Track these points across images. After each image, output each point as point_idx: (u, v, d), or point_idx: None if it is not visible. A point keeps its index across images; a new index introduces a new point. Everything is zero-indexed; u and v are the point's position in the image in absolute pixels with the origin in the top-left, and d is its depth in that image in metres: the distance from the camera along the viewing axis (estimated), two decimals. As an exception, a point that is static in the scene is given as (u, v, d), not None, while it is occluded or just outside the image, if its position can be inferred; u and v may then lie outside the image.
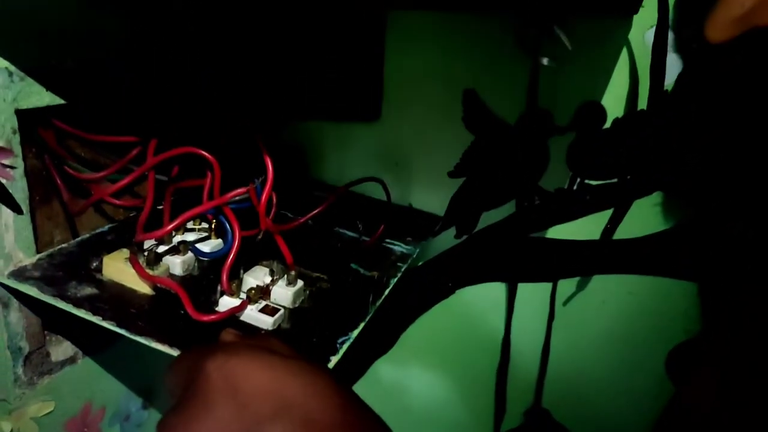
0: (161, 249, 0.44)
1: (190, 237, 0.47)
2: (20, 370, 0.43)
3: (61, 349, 0.46)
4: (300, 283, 0.42)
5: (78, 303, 0.38)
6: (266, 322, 0.38)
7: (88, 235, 0.48)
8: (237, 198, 0.49)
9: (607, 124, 0.58)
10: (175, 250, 0.44)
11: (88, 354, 0.48)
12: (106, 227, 0.49)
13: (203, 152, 0.43)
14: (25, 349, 0.43)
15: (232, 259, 0.40)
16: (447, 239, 0.65)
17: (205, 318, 0.37)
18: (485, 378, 0.71)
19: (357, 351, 0.74)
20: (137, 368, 0.52)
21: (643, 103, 0.56)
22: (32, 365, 0.44)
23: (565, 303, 0.66)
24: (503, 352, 0.69)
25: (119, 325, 0.36)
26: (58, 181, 0.46)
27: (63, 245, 0.46)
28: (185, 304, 0.37)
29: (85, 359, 0.48)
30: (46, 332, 0.45)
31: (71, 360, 0.47)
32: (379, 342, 0.73)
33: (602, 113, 0.59)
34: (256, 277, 0.42)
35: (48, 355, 0.45)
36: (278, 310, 0.39)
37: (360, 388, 0.77)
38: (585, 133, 0.59)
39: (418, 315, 0.70)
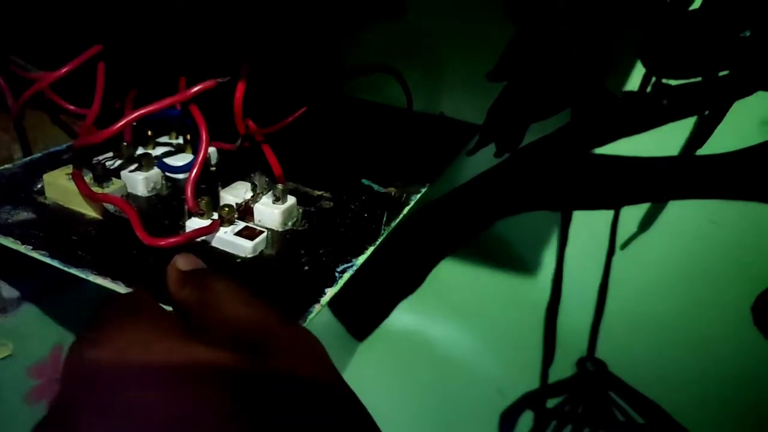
0: (118, 164, 0.35)
1: (161, 152, 0.38)
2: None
3: (16, 285, 0.39)
4: (291, 200, 0.32)
5: (6, 230, 0.30)
6: (244, 247, 0.29)
7: (39, 155, 0.39)
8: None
9: (696, 3, 0.45)
10: (136, 166, 0.35)
11: (52, 291, 0.41)
12: (64, 145, 0.40)
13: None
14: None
15: (198, 168, 0.30)
16: (485, 158, 0.54)
17: (159, 242, 0.27)
18: (529, 322, 0.62)
19: (377, 291, 0.65)
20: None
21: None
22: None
23: (629, 235, 0.54)
24: (554, 289, 0.58)
25: (52, 255, 0.28)
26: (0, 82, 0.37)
27: (6, 166, 0.37)
28: (134, 226, 0.28)
29: (49, 295, 0.40)
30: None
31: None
32: (402, 281, 0.63)
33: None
34: (236, 194, 0.33)
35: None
36: (261, 232, 0.30)
37: (381, 336, 0.68)
38: (665, 16, 0.46)
39: (449, 250, 0.60)
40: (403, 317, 0.66)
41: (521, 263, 0.60)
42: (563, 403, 0.64)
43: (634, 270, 0.55)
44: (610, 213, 0.54)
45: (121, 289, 0.26)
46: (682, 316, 0.56)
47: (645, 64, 0.47)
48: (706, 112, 0.47)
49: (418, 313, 0.66)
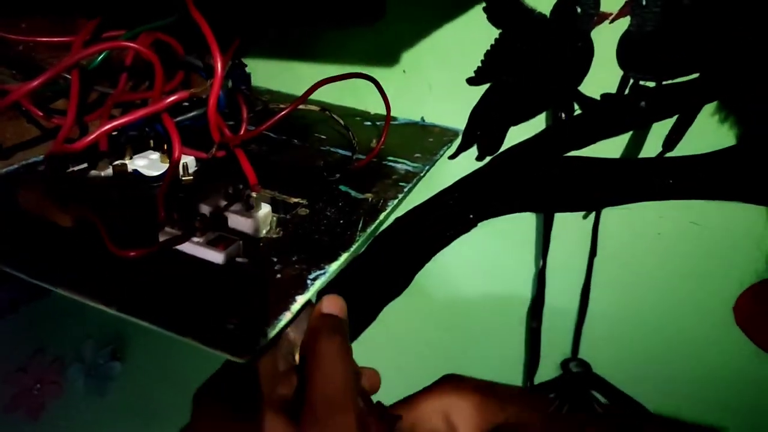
0: (93, 174, 0.35)
1: (141, 163, 0.38)
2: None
3: (-6, 296, 0.38)
4: (266, 208, 0.32)
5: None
6: (215, 256, 0.29)
7: (15, 167, 0.39)
8: (193, 114, 0.40)
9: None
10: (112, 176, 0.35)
11: (30, 300, 0.40)
12: (41, 156, 0.40)
13: (134, 45, 0.33)
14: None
15: (167, 178, 0.30)
16: (467, 162, 0.54)
17: (130, 254, 0.27)
18: (513, 324, 0.62)
19: (364, 296, 0.65)
20: (94, 313, 0.44)
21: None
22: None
23: (610, 236, 0.54)
24: (538, 291, 0.58)
25: (16, 268, 0.28)
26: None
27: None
28: (105, 237, 0.28)
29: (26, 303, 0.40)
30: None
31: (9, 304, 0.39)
32: (389, 284, 0.64)
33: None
34: (210, 202, 0.33)
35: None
36: (234, 240, 0.30)
37: (368, 337, 0.68)
38: (644, 17, 0.46)
39: (433, 253, 0.61)
40: (389, 320, 0.66)
41: (504, 266, 0.60)
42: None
43: (617, 271, 0.56)
44: (592, 215, 0.54)
45: (90, 301, 0.26)
46: (665, 317, 0.57)
47: (623, 66, 0.47)
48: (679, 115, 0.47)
49: (402, 316, 0.66)
